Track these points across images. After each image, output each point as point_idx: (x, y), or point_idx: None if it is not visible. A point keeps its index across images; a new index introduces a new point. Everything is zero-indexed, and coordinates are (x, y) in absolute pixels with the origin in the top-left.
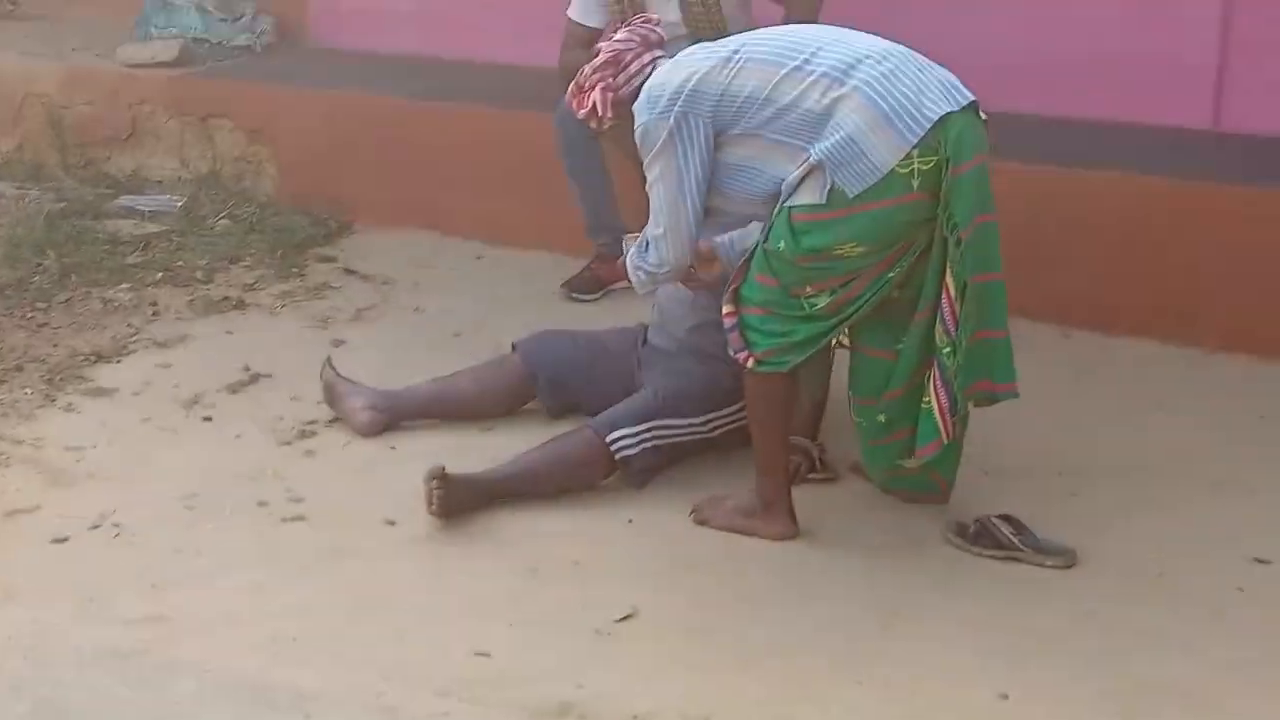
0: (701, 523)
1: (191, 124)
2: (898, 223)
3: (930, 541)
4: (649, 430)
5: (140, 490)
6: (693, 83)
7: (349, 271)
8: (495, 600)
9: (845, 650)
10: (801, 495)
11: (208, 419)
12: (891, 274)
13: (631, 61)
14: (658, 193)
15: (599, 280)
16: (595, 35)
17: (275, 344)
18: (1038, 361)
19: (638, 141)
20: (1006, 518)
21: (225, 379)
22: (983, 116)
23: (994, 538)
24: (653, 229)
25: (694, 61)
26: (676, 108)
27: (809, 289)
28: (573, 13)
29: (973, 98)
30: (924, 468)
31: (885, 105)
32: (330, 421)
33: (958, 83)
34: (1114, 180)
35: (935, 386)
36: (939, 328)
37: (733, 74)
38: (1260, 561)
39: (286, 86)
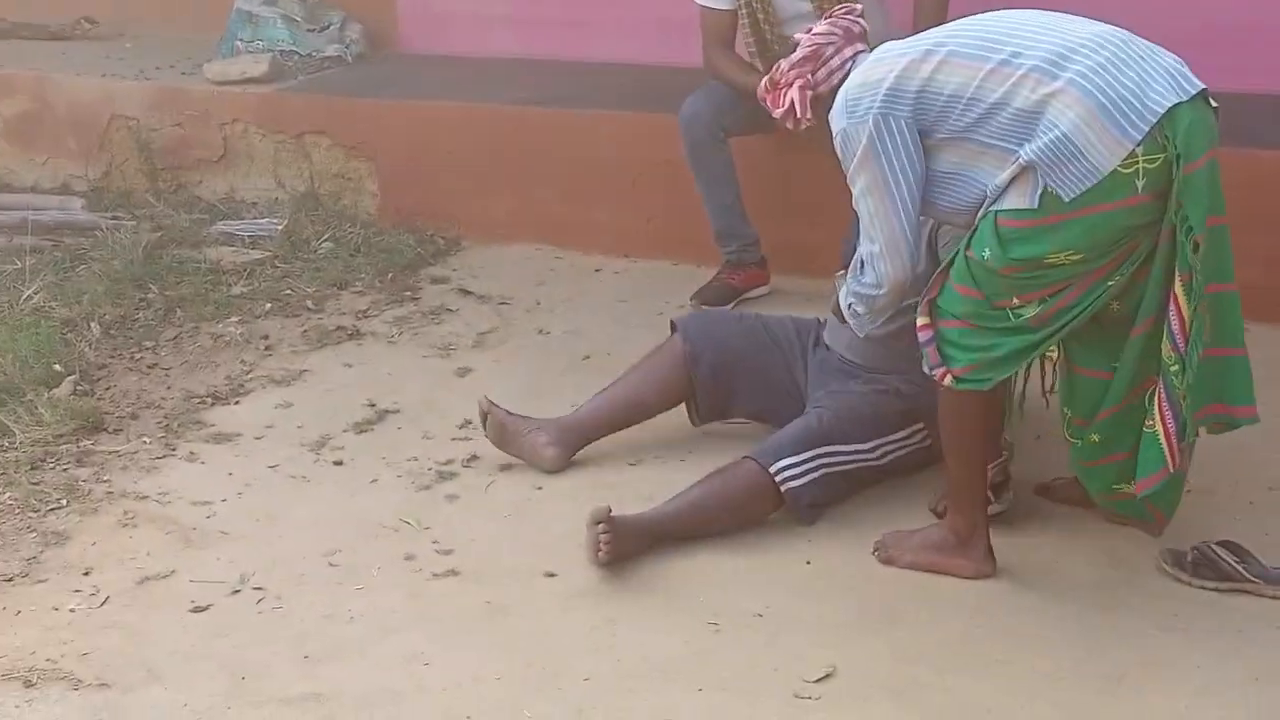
0: (887, 562)
1: (286, 142)
2: (1119, 227)
3: (1144, 573)
4: (815, 458)
5: (278, 548)
6: (889, 81)
7: (464, 292)
8: (678, 661)
9: (1078, 709)
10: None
11: (338, 463)
12: (1111, 282)
13: (833, 56)
14: (866, 206)
15: (732, 289)
16: (733, 19)
17: (398, 376)
18: None
19: (838, 151)
20: (1227, 544)
21: (351, 417)
22: (1213, 104)
23: (1217, 568)
24: (866, 246)
25: (890, 58)
26: (875, 109)
27: (1015, 299)
28: None
29: (1202, 86)
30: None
31: (1104, 98)
32: (468, 460)
33: (1185, 69)
34: None
35: (1161, 409)
36: (1166, 344)
37: (933, 69)
38: None
39: (384, 98)
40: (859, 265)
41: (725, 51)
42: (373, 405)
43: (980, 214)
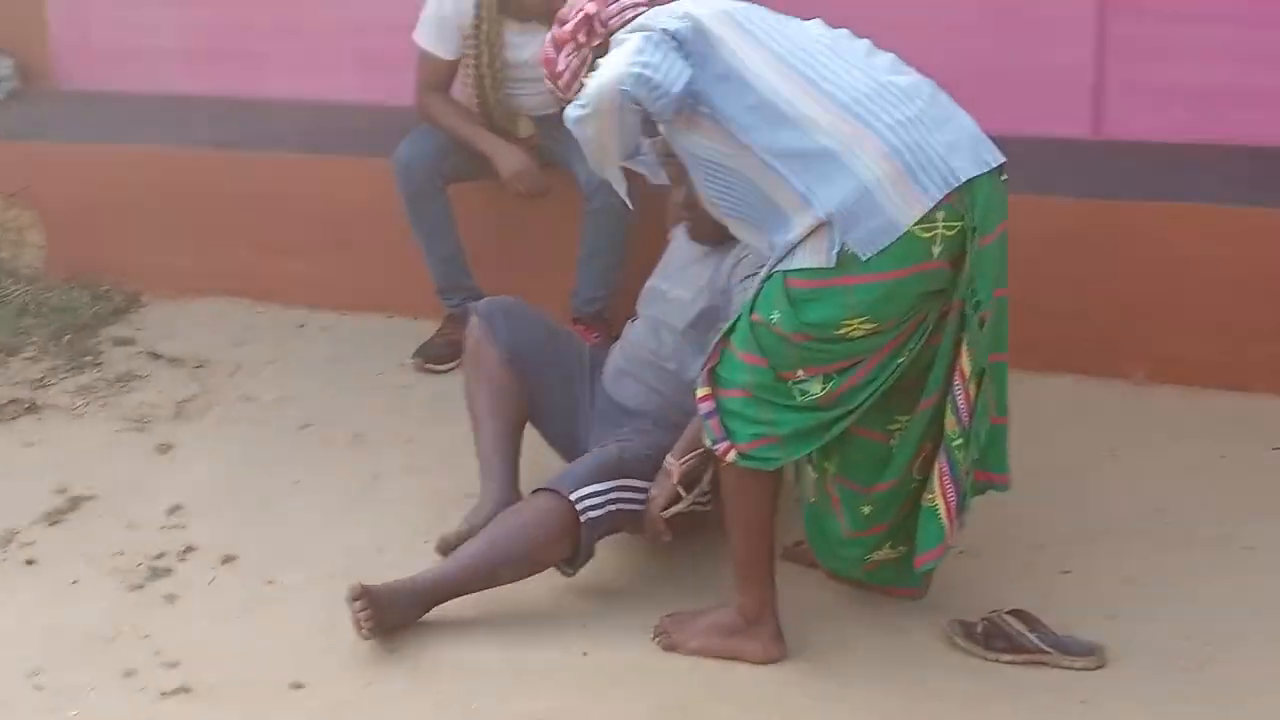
0: (670, 648)
1: None
2: (914, 294)
3: (935, 647)
4: (613, 490)
5: None
6: (703, 18)
7: (154, 355)
8: None
9: None
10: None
11: (30, 563)
12: (900, 359)
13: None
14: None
15: (457, 345)
16: (453, 68)
17: (89, 455)
18: None
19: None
20: (1017, 613)
21: (39, 507)
22: (1004, 178)
23: (1010, 639)
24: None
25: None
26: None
27: (800, 372)
28: (423, 41)
29: (1002, 159)
30: (903, 558)
31: (910, 156)
32: (184, 552)
33: (986, 139)
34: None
35: (943, 483)
36: (950, 417)
37: (738, 35)
38: None
39: (46, 140)
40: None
41: (442, 97)
42: (63, 491)
43: (764, 274)
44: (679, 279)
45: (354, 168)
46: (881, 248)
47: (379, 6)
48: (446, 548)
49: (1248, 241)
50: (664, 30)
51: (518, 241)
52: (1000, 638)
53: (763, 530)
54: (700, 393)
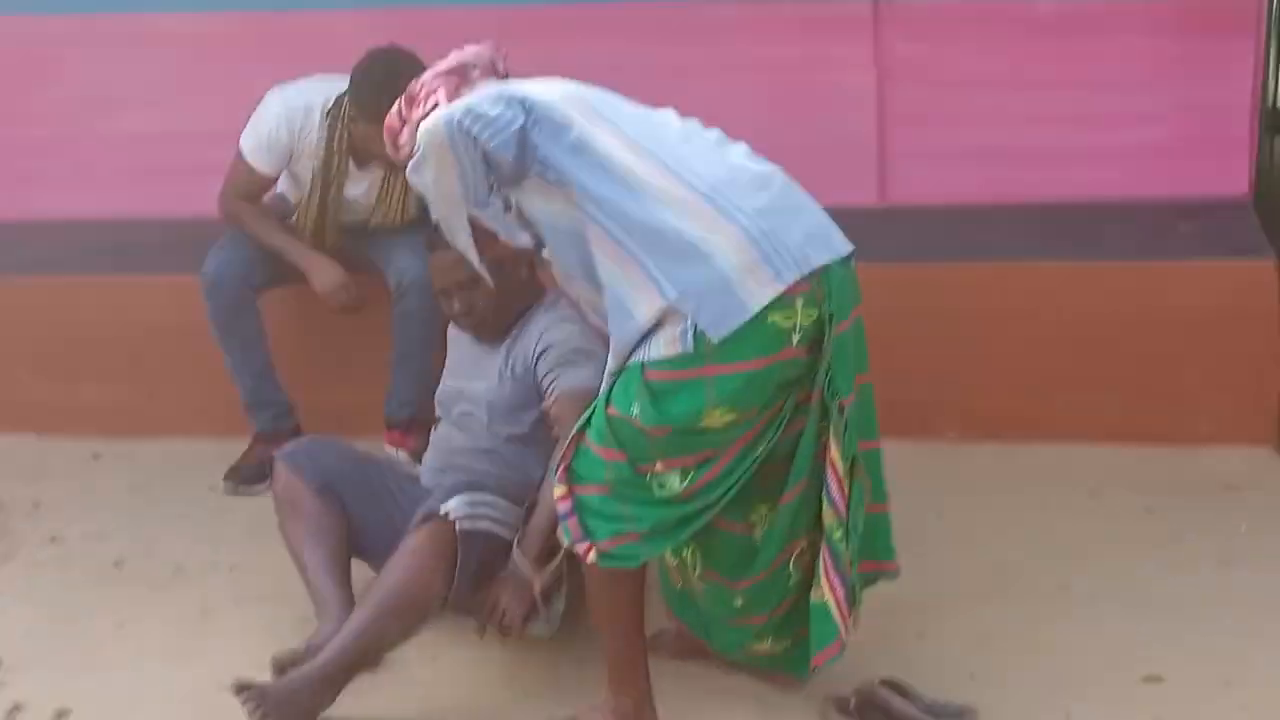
0: None
1: None
2: (773, 383)
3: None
4: (482, 503)
5: None
6: (553, 99)
7: None
8: None
9: None
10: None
11: None
12: (759, 449)
13: (477, 79)
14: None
15: (269, 464)
16: (269, 183)
17: None
18: None
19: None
20: (888, 683)
21: None
22: (853, 264)
23: (887, 711)
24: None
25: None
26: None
27: (659, 465)
28: (248, 153)
29: (851, 247)
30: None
31: (766, 245)
32: (12, 710)
33: (834, 227)
34: None
35: (829, 577)
36: (827, 509)
37: (596, 120)
38: (1152, 679)
39: None
40: None
41: (253, 204)
42: None
43: (617, 367)
44: (474, 373)
45: (138, 285)
46: (732, 328)
47: (151, 118)
48: (281, 667)
49: (1044, 295)
50: (501, 92)
51: (328, 348)
52: (875, 710)
53: (634, 627)
54: (557, 491)
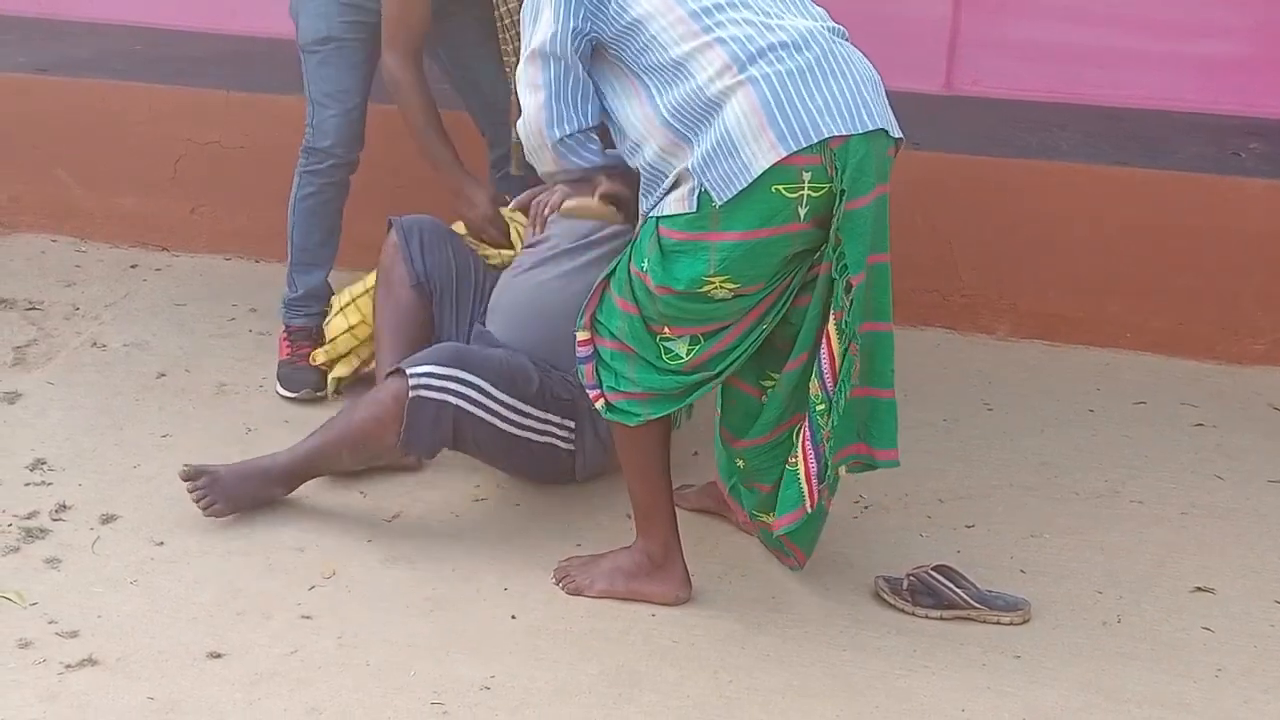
0: (575, 592)
1: None
2: (779, 256)
3: (863, 603)
4: (457, 380)
5: None
6: None
7: None
8: None
9: None
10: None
11: None
12: (764, 325)
13: None
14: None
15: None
16: (427, 22)
17: None
18: None
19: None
20: (942, 568)
21: None
22: (896, 137)
23: (937, 595)
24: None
25: None
26: None
27: (666, 329)
28: None
29: (882, 124)
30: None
31: (776, 107)
32: (57, 511)
33: (874, 97)
34: None
35: (804, 448)
36: (814, 381)
37: None
38: (1202, 590)
39: None
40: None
41: (418, 70)
42: None
43: (640, 220)
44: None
45: (192, 98)
46: (737, 190)
47: None
48: None
49: (1105, 200)
50: None
51: None
52: (926, 594)
53: (658, 474)
54: (580, 336)
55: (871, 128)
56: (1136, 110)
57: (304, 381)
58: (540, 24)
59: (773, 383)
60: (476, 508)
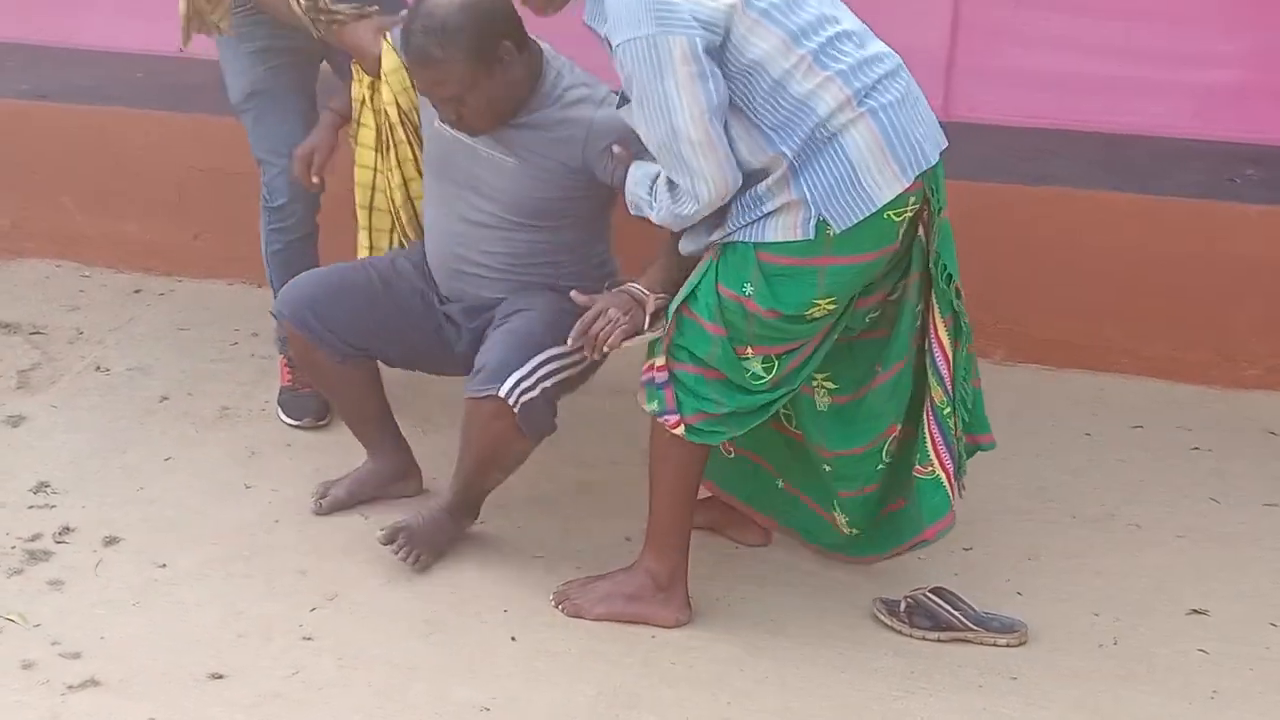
0: (575, 614)
1: None
2: (872, 276)
3: (858, 624)
4: (541, 364)
5: None
6: (690, 5)
7: None
8: None
9: None
10: None
11: None
12: (835, 336)
13: None
14: (666, 124)
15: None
16: None
17: None
18: None
19: (624, 62)
20: (939, 591)
21: None
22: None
23: (934, 616)
24: (680, 175)
25: None
26: (687, 28)
27: (750, 350)
28: None
29: (945, 141)
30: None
31: (895, 136)
32: (61, 533)
33: (937, 120)
34: None
35: (937, 452)
36: (936, 388)
37: (746, 26)
38: (1198, 613)
39: None
40: (667, 190)
41: None
42: None
43: (725, 241)
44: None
45: (193, 124)
46: (858, 219)
47: None
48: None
49: (1102, 226)
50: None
51: None
52: (924, 616)
53: (687, 497)
54: (657, 362)
55: (944, 146)
56: (1132, 136)
57: (305, 410)
58: (681, 111)
59: (866, 401)
60: (477, 530)
